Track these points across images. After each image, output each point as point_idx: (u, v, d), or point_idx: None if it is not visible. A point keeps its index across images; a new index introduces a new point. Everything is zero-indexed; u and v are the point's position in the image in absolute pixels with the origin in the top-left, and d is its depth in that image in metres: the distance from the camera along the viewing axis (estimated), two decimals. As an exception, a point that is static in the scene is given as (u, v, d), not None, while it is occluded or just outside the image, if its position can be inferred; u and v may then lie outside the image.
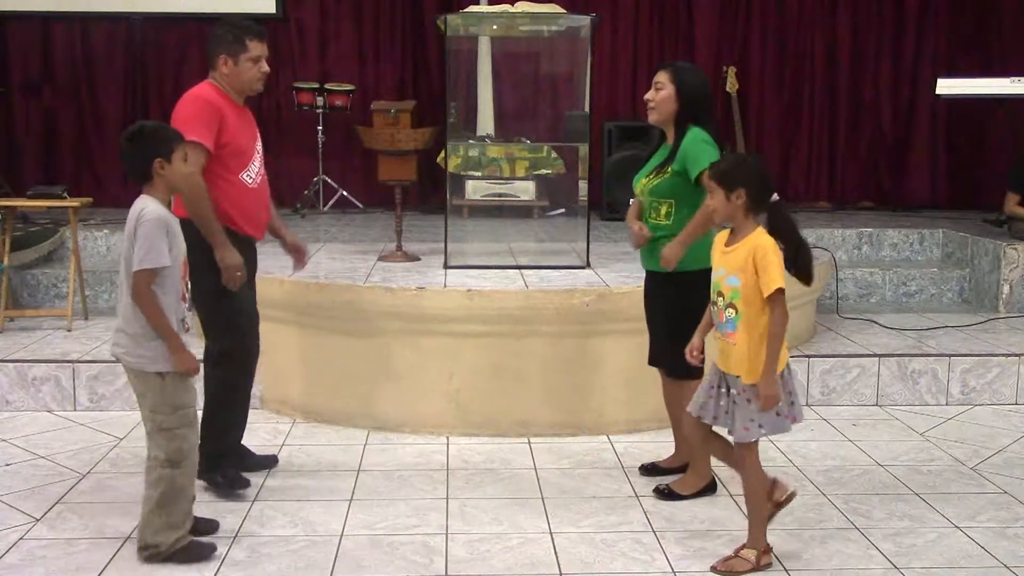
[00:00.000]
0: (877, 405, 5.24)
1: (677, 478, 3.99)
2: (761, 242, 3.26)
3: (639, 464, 4.23)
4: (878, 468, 4.33)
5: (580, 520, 3.74)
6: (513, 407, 4.69)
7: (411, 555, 3.44)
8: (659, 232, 3.85)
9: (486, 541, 3.56)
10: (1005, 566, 3.40)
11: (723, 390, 3.36)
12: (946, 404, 5.26)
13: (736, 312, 3.28)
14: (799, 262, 3.33)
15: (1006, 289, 6.36)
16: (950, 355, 5.31)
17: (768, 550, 3.37)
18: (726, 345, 3.32)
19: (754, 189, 3.28)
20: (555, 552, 3.48)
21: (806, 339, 5.61)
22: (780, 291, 3.22)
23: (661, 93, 3.88)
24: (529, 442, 4.62)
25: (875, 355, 5.30)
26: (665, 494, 3.92)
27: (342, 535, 3.60)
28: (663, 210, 3.84)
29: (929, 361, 5.28)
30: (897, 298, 6.77)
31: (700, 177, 3.65)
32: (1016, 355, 5.32)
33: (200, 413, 3.55)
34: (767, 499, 3.40)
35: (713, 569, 3.34)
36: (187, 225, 3.77)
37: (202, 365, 3.86)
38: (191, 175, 3.68)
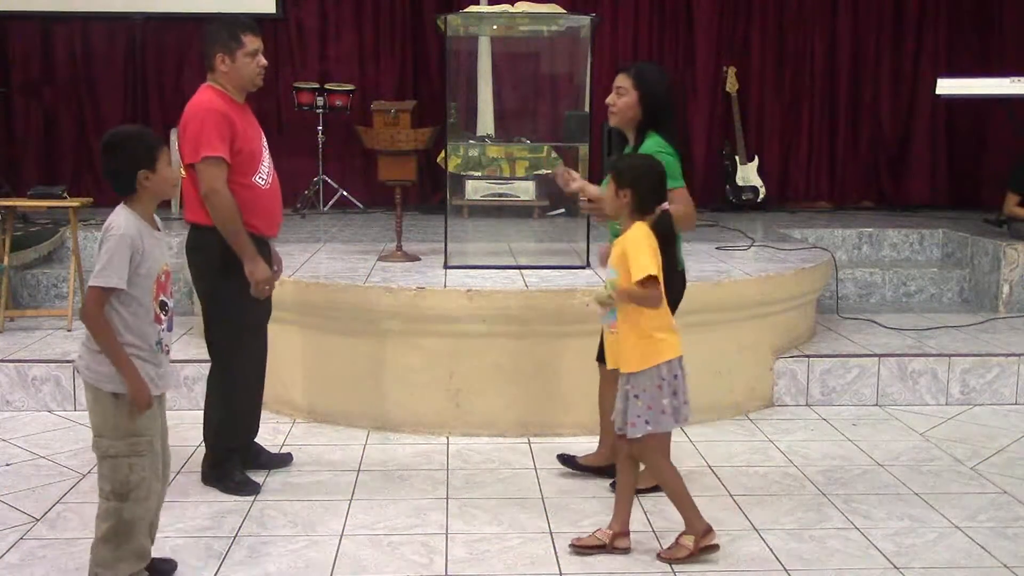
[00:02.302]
0: (877, 405, 5.24)
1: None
2: (632, 233, 3.34)
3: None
4: (878, 468, 4.33)
5: (580, 520, 3.74)
6: (513, 407, 4.69)
7: (411, 555, 3.45)
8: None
9: (486, 541, 3.57)
10: (1005, 566, 3.40)
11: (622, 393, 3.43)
12: (946, 404, 5.26)
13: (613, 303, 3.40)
14: (665, 278, 3.39)
15: (1006, 289, 6.36)
16: (950, 355, 5.31)
17: (708, 532, 3.42)
18: (612, 338, 3.43)
19: (640, 194, 3.36)
20: (555, 552, 3.48)
21: (806, 339, 5.61)
22: (652, 278, 3.26)
23: (623, 99, 3.85)
24: (529, 442, 4.62)
25: (875, 355, 5.30)
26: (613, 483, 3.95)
27: (342, 535, 3.60)
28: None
29: (929, 361, 5.28)
30: (897, 298, 6.77)
31: (670, 192, 3.67)
32: (1016, 355, 5.31)
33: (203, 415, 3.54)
34: (679, 481, 3.47)
35: (658, 556, 3.43)
36: (207, 230, 3.83)
37: (210, 366, 4.03)
38: (220, 192, 3.69)
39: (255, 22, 3.96)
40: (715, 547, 3.41)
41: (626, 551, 3.45)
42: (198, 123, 3.76)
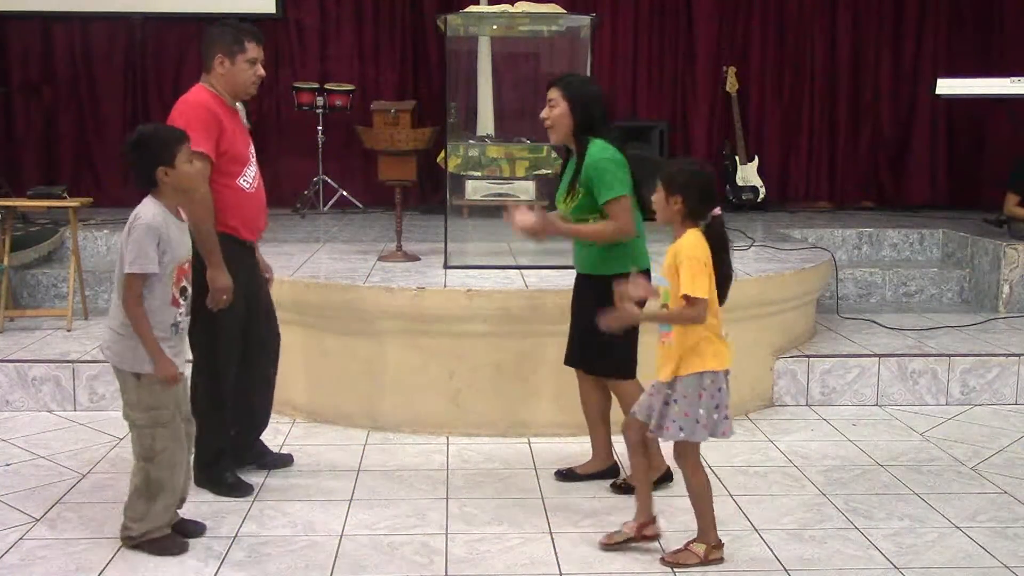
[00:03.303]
0: (877, 405, 5.24)
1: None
2: (684, 242, 3.28)
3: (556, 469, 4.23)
4: (878, 468, 4.34)
5: (580, 520, 3.74)
6: (513, 407, 4.69)
7: (411, 555, 3.45)
8: (593, 243, 3.89)
9: (486, 541, 3.57)
10: (1005, 566, 3.40)
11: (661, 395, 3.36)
12: (946, 404, 5.26)
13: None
14: (719, 283, 3.35)
15: (1006, 289, 6.36)
16: (950, 355, 5.31)
17: (719, 545, 3.40)
18: (663, 348, 3.35)
19: (691, 200, 3.29)
20: (555, 552, 3.48)
21: (806, 339, 5.61)
22: (690, 299, 3.21)
23: (555, 111, 3.88)
24: (529, 442, 4.62)
25: (875, 355, 5.30)
26: (622, 488, 3.96)
27: (342, 535, 3.60)
28: (589, 221, 3.86)
29: (929, 361, 5.28)
30: (897, 298, 6.77)
31: (607, 204, 3.73)
32: (1016, 355, 5.31)
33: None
34: (710, 494, 3.43)
35: (662, 560, 3.39)
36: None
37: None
38: (198, 189, 3.67)
39: (260, 32, 3.95)
40: (721, 560, 3.39)
41: (656, 537, 3.46)
42: (185, 119, 3.73)
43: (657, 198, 3.37)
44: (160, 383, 3.33)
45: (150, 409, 3.35)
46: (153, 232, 3.22)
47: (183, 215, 3.42)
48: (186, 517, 3.59)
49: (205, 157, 3.71)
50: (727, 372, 3.36)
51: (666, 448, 3.53)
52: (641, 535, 3.45)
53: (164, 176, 3.27)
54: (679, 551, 3.40)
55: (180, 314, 3.36)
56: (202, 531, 3.57)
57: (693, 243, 3.26)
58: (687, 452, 3.38)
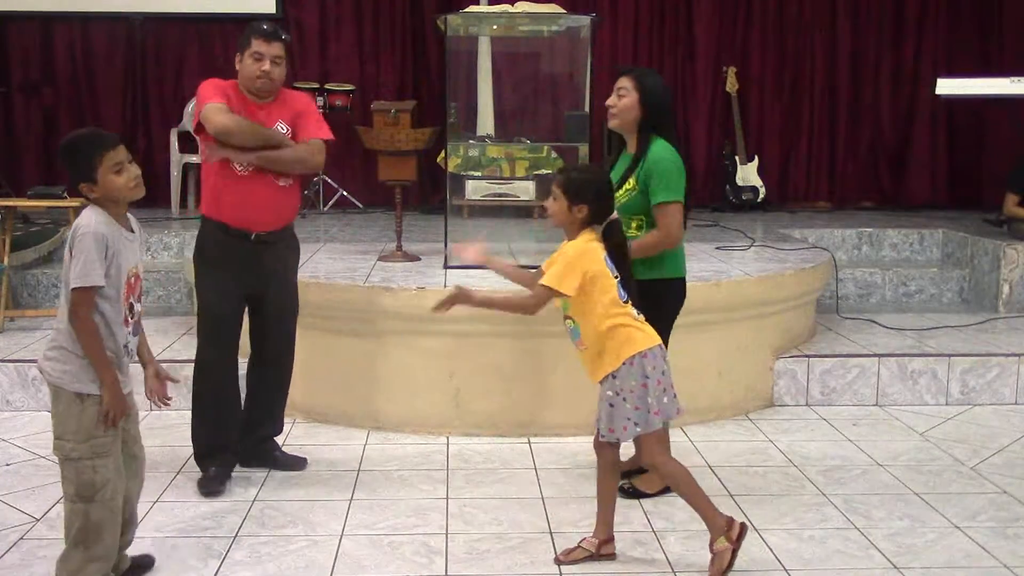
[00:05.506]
0: (877, 405, 5.24)
1: (639, 477, 4.00)
2: (576, 242, 3.29)
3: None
4: (878, 468, 4.34)
5: (580, 520, 3.74)
6: (513, 407, 4.69)
7: (411, 555, 3.45)
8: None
9: (486, 541, 3.57)
10: (1005, 566, 3.40)
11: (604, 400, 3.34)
12: (946, 404, 5.26)
13: (573, 321, 3.32)
14: (628, 285, 3.35)
15: (1006, 289, 6.36)
16: (950, 355, 5.31)
17: (730, 523, 3.28)
18: (584, 354, 3.35)
19: (597, 207, 3.30)
20: (555, 552, 3.47)
21: (806, 339, 5.61)
22: (548, 288, 3.24)
23: (624, 100, 3.84)
24: (529, 442, 4.62)
25: (875, 355, 5.30)
26: (629, 492, 3.94)
27: (342, 535, 3.60)
28: (634, 224, 3.82)
29: (929, 361, 5.28)
30: (897, 298, 6.77)
31: (659, 206, 3.73)
32: (1016, 355, 5.32)
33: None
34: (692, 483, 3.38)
35: None
36: (202, 221, 4.00)
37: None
38: (218, 115, 3.78)
39: (274, 29, 4.06)
40: (745, 529, 3.29)
41: (612, 557, 3.41)
42: (201, 88, 3.96)
43: (557, 206, 3.33)
44: (105, 416, 2.93)
45: (92, 438, 2.93)
46: (99, 241, 2.90)
47: (132, 225, 3.08)
48: (137, 554, 3.31)
49: (222, 107, 3.86)
50: (659, 347, 3.32)
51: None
52: (600, 553, 3.39)
53: (89, 193, 2.97)
54: (713, 560, 3.28)
55: (128, 334, 3.02)
56: (151, 564, 3.31)
57: (583, 248, 3.27)
58: (650, 447, 3.34)
